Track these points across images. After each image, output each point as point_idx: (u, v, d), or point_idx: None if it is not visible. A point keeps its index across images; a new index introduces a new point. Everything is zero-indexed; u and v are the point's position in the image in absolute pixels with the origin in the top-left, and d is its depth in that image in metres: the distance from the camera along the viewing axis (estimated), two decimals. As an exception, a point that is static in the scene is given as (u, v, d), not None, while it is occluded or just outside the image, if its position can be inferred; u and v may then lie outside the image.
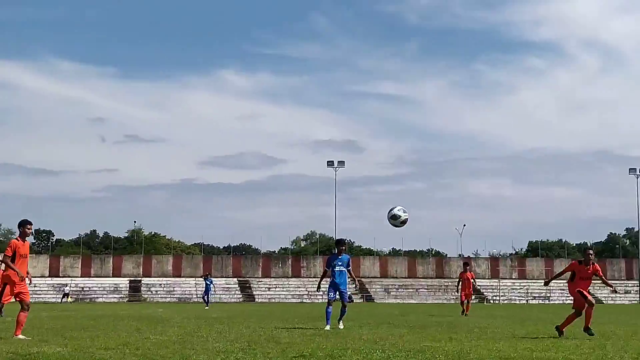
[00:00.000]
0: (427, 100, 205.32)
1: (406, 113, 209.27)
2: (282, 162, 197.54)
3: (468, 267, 31.57)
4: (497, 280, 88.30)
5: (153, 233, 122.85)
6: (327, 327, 18.18)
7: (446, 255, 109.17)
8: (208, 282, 48.53)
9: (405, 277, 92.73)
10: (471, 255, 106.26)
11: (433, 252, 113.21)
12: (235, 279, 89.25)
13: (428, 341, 14.14)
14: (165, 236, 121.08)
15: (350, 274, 18.81)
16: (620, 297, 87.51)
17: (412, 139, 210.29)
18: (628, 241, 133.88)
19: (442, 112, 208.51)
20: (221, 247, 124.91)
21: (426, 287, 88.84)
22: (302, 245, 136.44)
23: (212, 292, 49.20)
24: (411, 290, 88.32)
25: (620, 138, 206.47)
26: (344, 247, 19.32)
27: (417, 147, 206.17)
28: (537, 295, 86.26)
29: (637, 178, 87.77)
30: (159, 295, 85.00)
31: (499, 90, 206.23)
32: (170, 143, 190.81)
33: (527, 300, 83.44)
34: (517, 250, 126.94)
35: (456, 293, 31.83)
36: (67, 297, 77.13)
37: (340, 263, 18.88)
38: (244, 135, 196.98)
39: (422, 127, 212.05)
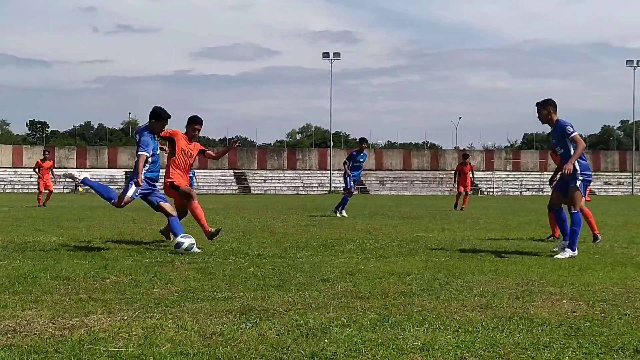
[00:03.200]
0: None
1: (402, 3, 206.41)
2: (277, 54, 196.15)
3: (467, 160, 29.24)
4: (491, 173, 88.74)
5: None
6: (344, 214, 20.56)
7: (441, 147, 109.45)
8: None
9: (400, 170, 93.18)
10: (466, 148, 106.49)
11: (428, 145, 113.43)
12: (231, 171, 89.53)
13: (421, 231, 14.29)
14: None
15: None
16: (613, 188, 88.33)
17: (408, 30, 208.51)
18: (622, 133, 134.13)
19: (439, 3, 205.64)
20: (217, 139, 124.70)
21: (421, 180, 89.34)
22: (298, 137, 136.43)
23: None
24: (406, 182, 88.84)
25: (618, 29, 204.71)
26: (365, 145, 21.49)
27: (414, 38, 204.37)
28: (530, 187, 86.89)
29: (634, 70, 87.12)
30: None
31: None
32: (163, 33, 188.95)
33: (520, 192, 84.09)
34: (511, 143, 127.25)
35: (454, 185, 29.30)
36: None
37: (362, 160, 21.44)
38: (238, 25, 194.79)
39: (419, 17, 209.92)
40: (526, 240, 12.13)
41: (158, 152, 10.48)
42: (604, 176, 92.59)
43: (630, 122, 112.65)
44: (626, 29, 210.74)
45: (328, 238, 12.23)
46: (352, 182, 21.27)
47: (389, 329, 4.95)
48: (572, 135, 9.82)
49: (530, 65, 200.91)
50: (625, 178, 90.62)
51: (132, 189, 10.22)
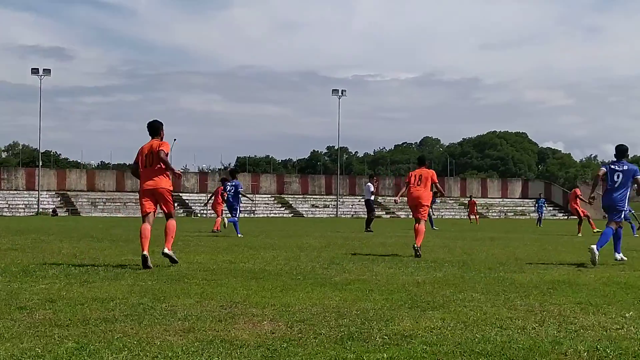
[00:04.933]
0: (141, 10, 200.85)
1: (118, 22, 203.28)
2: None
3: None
4: (205, 195, 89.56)
5: None
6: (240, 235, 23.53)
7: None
8: None
9: (113, 191, 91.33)
10: (181, 169, 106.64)
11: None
12: None
13: (130, 254, 14.05)
14: None
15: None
16: (319, 210, 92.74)
17: (124, 50, 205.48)
18: (328, 159, 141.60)
19: (156, 24, 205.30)
20: None
21: (134, 201, 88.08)
22: (4, 156, 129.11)
23: None
24: (119, 203, 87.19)
25: (325, 60, 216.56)
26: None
27: (129, 58, 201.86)
28: (242, 209, 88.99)
29: (339, 99, 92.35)
30: None
31: (212, 4, 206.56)
32: None
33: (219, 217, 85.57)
34: (225, 166, 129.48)
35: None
36: None
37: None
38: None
39: (135, 37, 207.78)
40: (234, 263, 12.33)
41: None
42: (312, 199, 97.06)
43: (335, 147, 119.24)
44: (332, 60, 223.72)
45: (30, 263, 11.65)
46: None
47: (86, 357, 4.80)
48: None
49: (245, 90, 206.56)
50: (331, 201, 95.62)
51: None
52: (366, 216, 31.34)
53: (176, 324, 6.07)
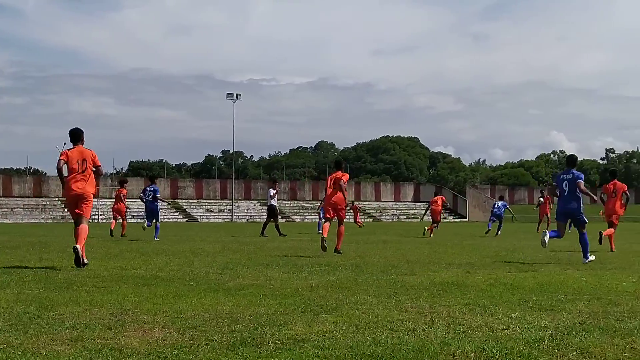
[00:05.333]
0: (27, 11, 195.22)
1: (4, 22, 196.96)
2: None
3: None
4: (96, 200, 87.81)
5: None
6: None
7: (45, 173, 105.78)
8: None
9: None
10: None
11: (31, 170, 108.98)
12: None
13: (17, 262, 13.63)
14: None
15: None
16: (214, 215, 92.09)
17: (10, 51, 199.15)
18: (223, 163, 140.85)
19: (45, 25, 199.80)
20: None
21: (22, 207, 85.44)
22: None
23: None
24: (6, 209, 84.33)
25: (220, 64, 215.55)
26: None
27: (16, 59, 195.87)
28: (135, 214, 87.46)
29: (234, 103, 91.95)
30: None
31: (102, 5, 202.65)
32: None
33: (124, 220, 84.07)
34: (118, 170, 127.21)
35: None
36: None
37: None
38: None
39: (23, 38, 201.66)
40: (125, 269, 12.12)
41: None
42: (206, 204, 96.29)
43: (230, 152, 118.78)
44: (227, 64, 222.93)
45: None
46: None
47: (-33, 370, 4.62)
48: None
49: (138, 94, 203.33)
50: (226, 205, 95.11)
51: None
52: (265, 221, 31.45)
53: (64, 333, 5.92)
